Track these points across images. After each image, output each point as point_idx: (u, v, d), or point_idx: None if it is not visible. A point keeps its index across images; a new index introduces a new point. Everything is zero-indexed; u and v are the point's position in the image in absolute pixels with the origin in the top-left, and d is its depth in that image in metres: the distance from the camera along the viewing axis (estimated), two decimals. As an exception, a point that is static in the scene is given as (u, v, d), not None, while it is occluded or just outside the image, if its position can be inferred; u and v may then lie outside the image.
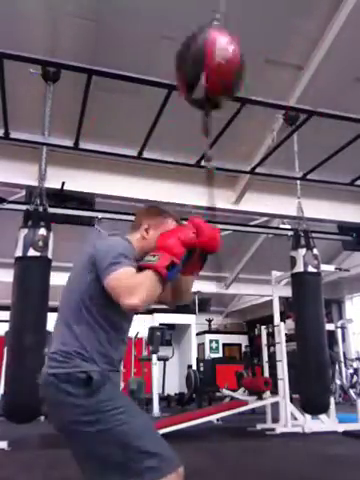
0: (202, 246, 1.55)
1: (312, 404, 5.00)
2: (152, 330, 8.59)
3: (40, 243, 4.22)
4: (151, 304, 1.51)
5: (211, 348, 13.12)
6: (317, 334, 4.95)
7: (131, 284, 1.40)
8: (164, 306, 1.67)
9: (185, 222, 1.62)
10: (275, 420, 5.99)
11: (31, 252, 4.19)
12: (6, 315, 4.68)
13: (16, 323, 4.10)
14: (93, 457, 1.44)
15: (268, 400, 6.25)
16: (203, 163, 4.23)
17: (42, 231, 4.28)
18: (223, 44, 1.58)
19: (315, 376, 4.81)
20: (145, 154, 4.42)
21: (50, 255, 4.32)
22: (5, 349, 4.40)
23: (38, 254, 4.21)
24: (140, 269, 1.45)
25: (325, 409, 5.27)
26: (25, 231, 4.27)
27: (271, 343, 7.11)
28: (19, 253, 4.22)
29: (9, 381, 4.09)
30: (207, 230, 1.55)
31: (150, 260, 1.46)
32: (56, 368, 1.49)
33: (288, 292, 5.51)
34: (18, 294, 4.13)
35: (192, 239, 1.51)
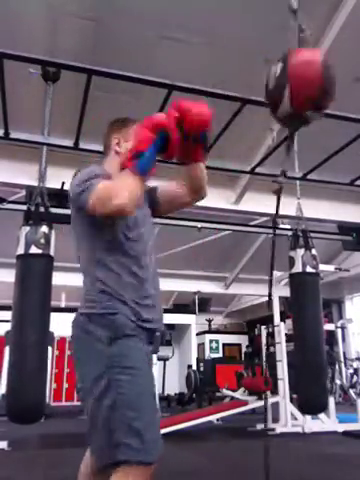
0: (188, 124, 1.41)
1: (309, 404, 5.00)
2: None
3: (42, 241, 4.18)
4: (138, 202, 1.42)
5: (211, 348, 13.12)
6: (315, 334, 4.94)
7: (108, 190, 1.37)
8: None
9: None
10: (275, 420, 5.99)
11: (33, 250, 4.14)
12: (6, 315, 4.67)
13: (18, 321, 4.03)
14: (89, 403, 1.38)
15: (268, 400, 6.25)
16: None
17: (44, 229, 4.25)
18: (305, 58, 1.57)
19: (313, 376, 4.80)
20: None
21: (52, 253, 4.30)
22: (6, 348, 4.37)
23: (40, 252, 4.17)
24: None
25: (322, 409, 5.26)
26: (27, 229, 4.24)
27: (271, 343, 7.11)
28: (21, 251, 4.18)
29: (11, 381, 4.03)
30: (190, 106, 1.41)
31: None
32: (84, 308, 1.49)
33: (288, 292, 5.50)
34: (20, 292, 4.07)
35: (161, 120, 1.37)
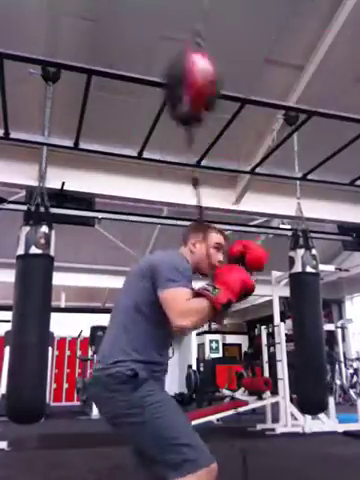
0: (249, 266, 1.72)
1: (309, 404, 4.99)
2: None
3: (42, 241, 4.17)
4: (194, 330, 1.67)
5: (211, 348, 13.12)
6: (315, 334, 4.94)
7: (186, 307, 1.55)
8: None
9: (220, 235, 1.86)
10: (275, 420, 5.99)
11: (33, 250, 4.14)
12: (6, 315, 4.66)
13: (18, 322, 4.03)
14: (141, 447, 1.59)
15: (268, 400, 6.26)
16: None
17: (44, 229, 4.24)
18: (202, 65, 1.71)
19: (313, 376, 4.80)
20: (145, 154, 4.41)
21: (52, 253, 4.30)
22: (6, 349, 4.36)
23: (40, 252, 4.16)
24: (197, 294, 1.57)
25: (323, 409, 5.25)
26: (27, 229, 4.23)
27: (271, 343, 7.10)
28: (21, 251, 4.17)
29: (11, 381, 4.03)
30: (256, 251, 1.75)
31: (209, 290, 1.57)
32: (106, 368, 1.62)
33: (288, 292, 5.50)
34: (20, 293, 4.06)
35: (250, 282, 1.64)
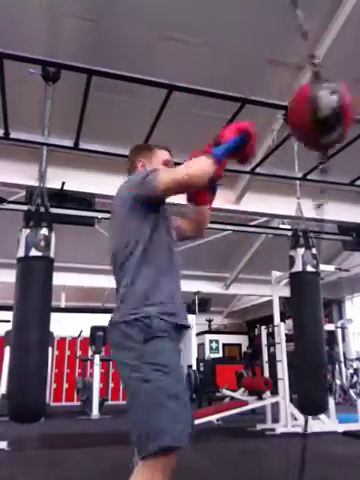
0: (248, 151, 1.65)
1: (309, 405, 4.99)
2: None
3: (42, 243, 4.21)
4: (199, 184, 1.57)
5: (211, 348, 13.14)
6: (315, 334, 4.93)
7: (175, 169, 1.58)
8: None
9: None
10: (275, 420, 5.99)
11: (33, 252, 4.17)
12: (6, 315, 4.67)
13: (19, 323, 4.07)
14: (130, 398, 1.49)
15: (268, 400, 6.25)
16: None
17: (44, 231, 4.27)
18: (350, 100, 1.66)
19: (313, 376, 4.80)
20: (145, 154, 4.41)
21: (52, 255, 4.32)
22: (6, 349, 4.39)
23: (40, 254, 4.19)
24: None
25: (323, 410, 5.25)
26: (27, 231, 4.25)
27: (271, 343, 7.10)
28: (21, 254, 4.20)
29: (12, 381, 4.08)
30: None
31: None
32: (121, 313, 1.54)
33: (288, 292, 5.50)
34: (20, 295, 4.10)
35: (244, 124, 1.61)
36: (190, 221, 1.93)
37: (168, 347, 1.50)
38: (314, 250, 5.23)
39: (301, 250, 5.18)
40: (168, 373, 1.44)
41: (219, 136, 1.57)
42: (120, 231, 1.64)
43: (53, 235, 4.34)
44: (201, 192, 1.73)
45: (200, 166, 1.54)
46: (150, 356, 1.45)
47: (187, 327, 1.63)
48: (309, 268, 5.11)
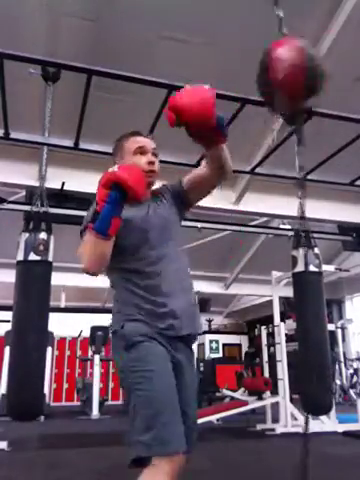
0: (194, 127, 1.42)
1: (314, 405, 4.97)
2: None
3: (41, 247, 4.27)
4: (102, 261, 1.49)
5: (211, 348, 13.12)
6: (319, 333, 4.92)
7: (80, 254, 1.50)
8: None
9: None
10: (275, 420, 5.99)
11: (32, 256, 4.25)
12: (6, 315, 4.70)
13: (18, 325, 4.15)
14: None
15: (268, 400, 6.25)
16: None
17: (43, 235, 4.35)
18: (282, 55, 1.54)
19: (317, 376, 4.78)
20: (145, 154, 4.42)
21: (51, 259, 4.37)
22: (6, 349, 4.44)
23: (39, 258, 4.27)
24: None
25: (327, 410, 5.21)
26: (26, 235, 4.33)
27: (271, 343, 7.10)
28: (20, 257, 4.28)
29: (12, 380, 4.14)
30: (188, 105, 1.37)
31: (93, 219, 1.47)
32: (112, 326, 1.61)
33: (288, 292, 5.50)
34: (19, 297, 4.19)
35: (111, 174, 1.41)
36: (210, 162, 1.72)
37: (151, 351, 1.48)
38: (316, 250, 5.23)
39: (303, 250, 5.17)
40: (150, 379, 1.42)
41: (96, 203, 1.44)
42: None
43: (52, 238, 4.41)
44: (203, 136, 1.52)
45: (87, 252, 1.46)
46: (132, 363, 1.47)
47: (178, 336, 1.54)
48: (312, 268, 5.10)
